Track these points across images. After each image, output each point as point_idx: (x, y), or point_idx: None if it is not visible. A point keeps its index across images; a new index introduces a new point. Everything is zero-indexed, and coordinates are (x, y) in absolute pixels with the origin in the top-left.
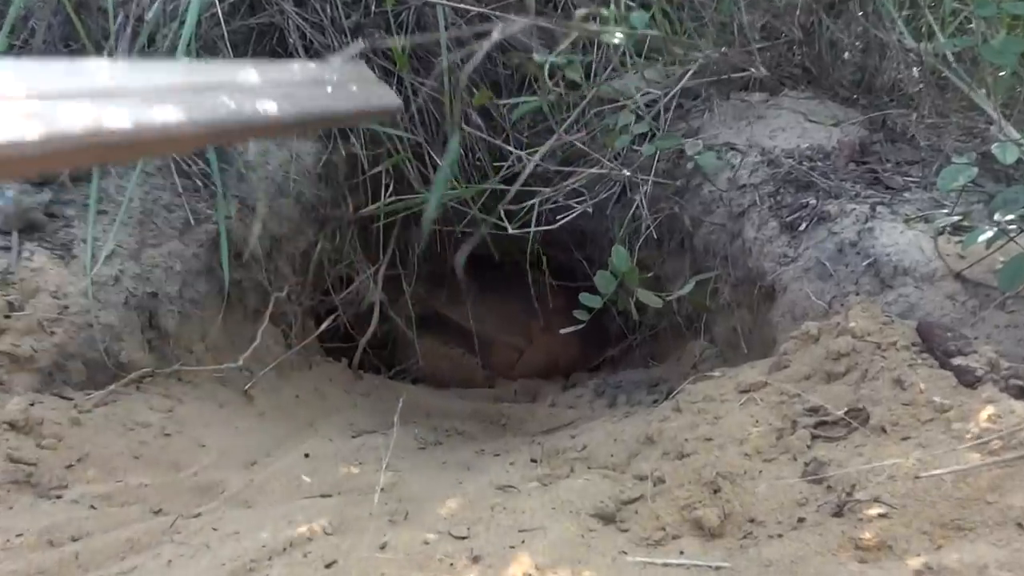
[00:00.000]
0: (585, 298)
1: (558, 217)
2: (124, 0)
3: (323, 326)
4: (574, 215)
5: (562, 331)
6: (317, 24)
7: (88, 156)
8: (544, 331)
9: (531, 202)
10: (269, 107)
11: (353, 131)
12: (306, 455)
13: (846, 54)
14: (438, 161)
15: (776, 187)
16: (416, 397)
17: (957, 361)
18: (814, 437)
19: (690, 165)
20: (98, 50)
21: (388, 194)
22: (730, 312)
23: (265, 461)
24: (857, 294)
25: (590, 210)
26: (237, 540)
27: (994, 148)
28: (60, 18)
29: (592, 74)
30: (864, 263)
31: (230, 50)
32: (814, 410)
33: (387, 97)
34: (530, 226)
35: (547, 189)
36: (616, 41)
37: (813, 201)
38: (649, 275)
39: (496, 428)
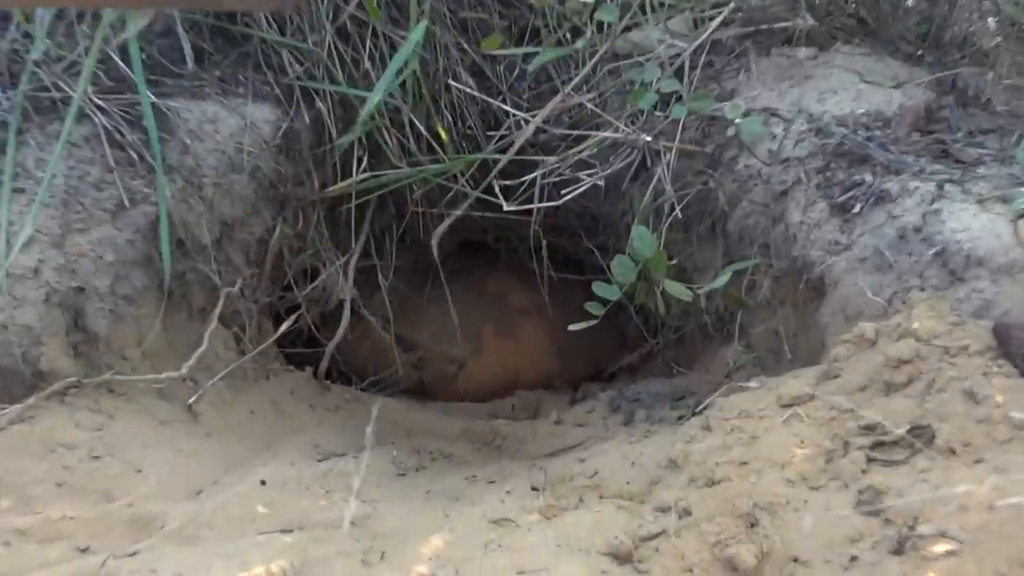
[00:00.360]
0: (600, 288)
1: (563, 192)
2: None
3: (283, 328)
4: (583, 188)
5: (571, 327)
6: None
7: None
8: (501, 338)
9: (532, 175)
10: None
11: (319, 95)
12: (262, 482)
13: (909, 1)
14: (421, 130)
15: (826, 161)
16: (394, 413)
17: None
18: (870, 460)
19: (725, 133)
20: None
21: (361, 169)
22: (770, 310)
23: (213, 490)
24: (922, 289)
25: (601, 185)
26: None
27: None
28: None
29: (605, 25)
30: (930, 252)
31: None
32: (870, 428)
33: None
34: (530, 203)
35: (551, 158)
36: None
37: (869, 178)
38: (672, 264)
39: (490, 450)
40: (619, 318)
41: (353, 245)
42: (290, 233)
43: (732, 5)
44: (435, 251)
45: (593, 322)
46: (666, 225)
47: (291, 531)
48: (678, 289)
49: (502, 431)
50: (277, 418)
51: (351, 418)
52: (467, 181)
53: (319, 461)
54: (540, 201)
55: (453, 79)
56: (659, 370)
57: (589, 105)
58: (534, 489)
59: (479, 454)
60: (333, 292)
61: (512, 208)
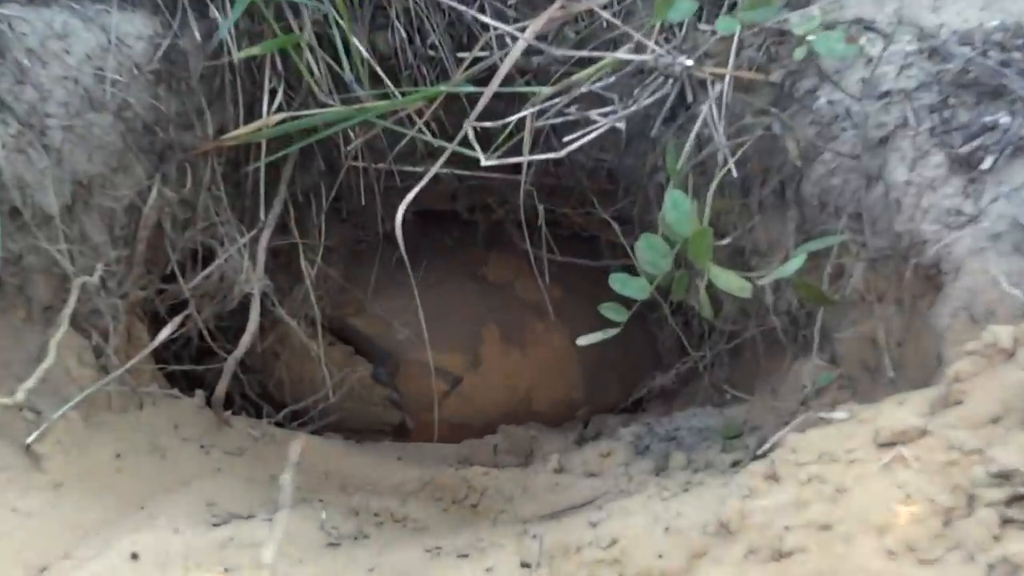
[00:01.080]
0: (621, 283)
1: (566, 140)
2: None
3: (163, 334)
4: (595, 133)
5: (580, 340)
6: None
7: None
8: (506, 343)
9: (520, 114)
10: None
11: None
12: (133, 556)
13: None
14: (362, 50)
15: (943, 95)
16: (323, 457)
17: None
18: (1005, 522)
19: (797, 55)
20: None
21: (275, 108)
22: (864, 309)
23: (63, 566)
24: None
25: (622, 129)
26: None
27: None
28: None
29: None
30: None
31: None
32: (1005, 476)
33: None
34: (519, 155)
35: (547, 89)
36: None
37: (1006, 119)
38: (724, 245)
39: (462, 510)
40: (647, 321)
41: (263, 216)
42: (173, 198)
43: None
44: (399, 231)
45: (612, 333)
46: (714, 188)
47: None
48: (731, 281)
49: (479, 483)
50: (155, 464)
51: (261, 464)
52: (428, 124)
53: (215, 526)
54: (534, 152)
55: None
56: (705, 395)
57: (603, 14)
58: (525, 566)
59: (445, 516)
60: (235, 283)
61: (492, 163)
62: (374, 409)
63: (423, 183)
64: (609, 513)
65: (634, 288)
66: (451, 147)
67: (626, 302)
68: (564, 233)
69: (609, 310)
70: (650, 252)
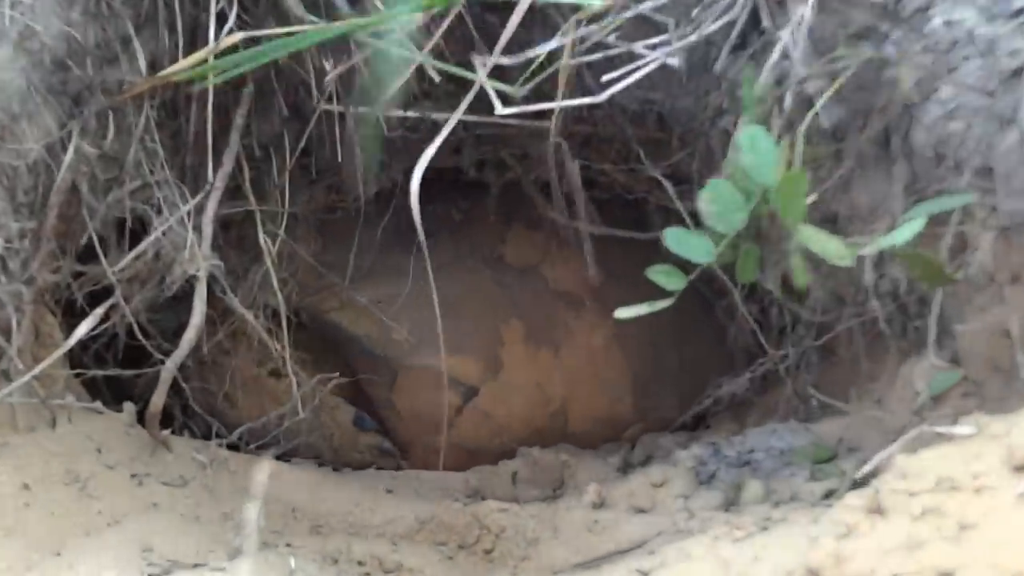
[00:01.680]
0: (676, 239)
1: (606, 79)
2: None
3: (80, 331)
4: (644, 69)
5: (620, 312)
6: None
7: None
8: (532, 343)
9: (546, 46)
10: None
11: None
12: None
13: None
14: None
15: None
16: (292, 489)
17: None
18: None
19: None
20: None
21: (226, 31)
22: (994, 292)
23: None
24: None
25: (677, 64)
26: None
27: None
28: None
29: None
30: None
31: None
32: None
33: None
34: (546, 101)
35: (581, 13)
36: None
37: None
38: (812, 204)
39: (472, 557)
40: (715, 311)
41: (211, 176)
42: (93, 154)
43: None
44: (415, 204)
45: (663, 305)
46: (800, 133)
47: None
48: (828, 245)
49: (494, 522)
50: (73, 498)
51: (211, 498)
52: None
53: None
54: (567, 96)
55: None
56: (788, 406)
57: None
58: None
59: (451, 566)
60: (175, 263)
61: (512, 111)
62: (357, 457)
63: (446, 132)
64: (664, 560)
65: (695, 248)
66: (479, 81)
67: (682, 268)
68: (603, 197)
69: (661, 274)
70: (718, 204)
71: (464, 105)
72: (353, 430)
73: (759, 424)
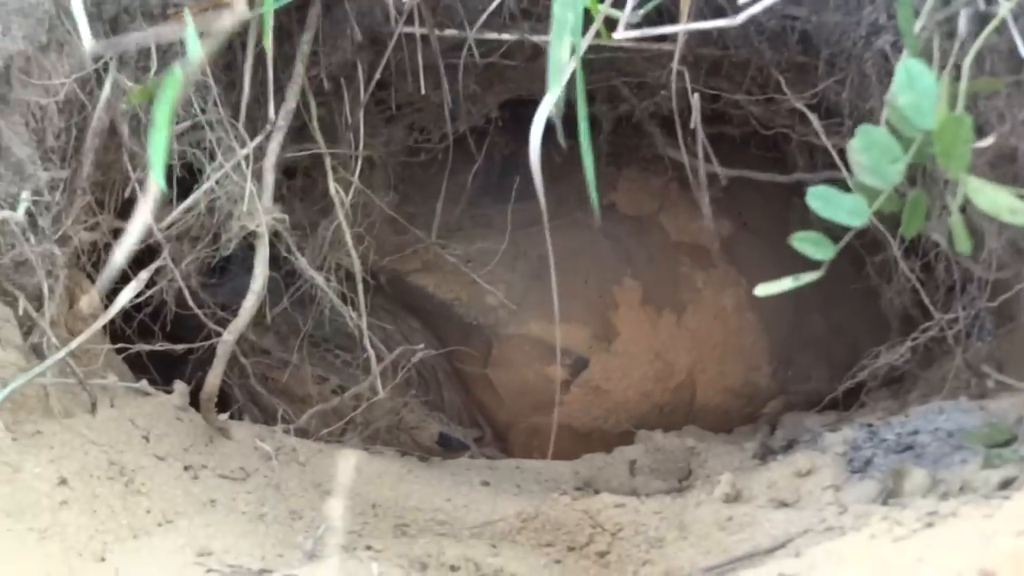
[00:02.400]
0: (822, 200)
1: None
2: None
3: (123, 298)
4: None
5: (759, 289)
6: None
7: None
8: (651, 306)
9: None
10: None
11: None
12: None
13: None
14: None
15: None
16: (373, 482)
17: None
18: None
19: None
20: None
21: None
22: None
23: None
24: None
25: None
26: None
27: None
28: None
29: None
30: None
31: None
32: None
33: None
34: (667, 21)
35: None
36: None
37: None
38: (984, 147)
39: (583, 560)
40: (868, 269)
41: (272, 114)
42: (133, 89)
43: None
44: (534, 155)
45: (809, 279)
46: (970, 60)
47: None
48: (998, 199)
49: (609, 519)
50: (117, 494)
51: (279, 494)
52: None
53: None
54: (693, 17)
55: None
56: (957, 381)
57: None
58: None
59: (557, 571)
60: (232, 218)
61: (631, 35)
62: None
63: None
64: (811, 563)
65: (846, 210)
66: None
67: (833, 233)
68: (734, 133)
69: (807, 243)
70: (871, 154)
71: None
72: (438, 451)
73: (922, 402)
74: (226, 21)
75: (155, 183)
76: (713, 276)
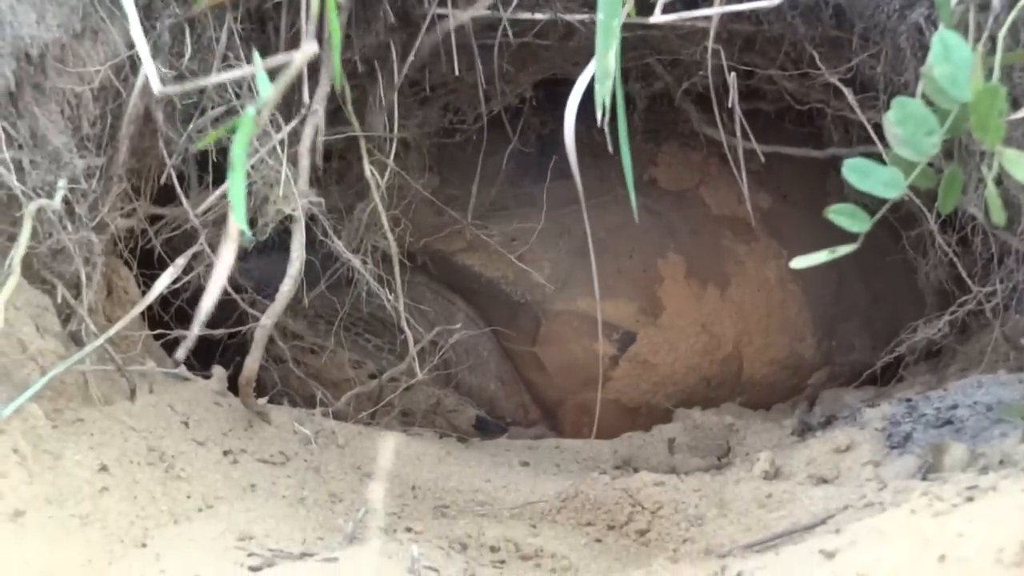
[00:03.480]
0: (858, 172)
1: None
2: None
3: (160, 285)
4: None
5: (796, 262)
6: None
7: None
8: (695, 280)
9: None
10: None
11: None
12: None
13: None
14: None
15: None
16: (412, 464)
17: None
18: None
19: None
20: None
21: None
22: None
23: None
24: None
25: None
26: None
27: None
28: None
29: None
30: None
31: None
32: None
33: None
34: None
35: None
36: None
37: None
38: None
39: (624, 539)
40: (906, 243)
41: (306, 97)
42: (168, 76)
43: None
44: (569, 135)
45: (846, 251)
46: (1006, 31)
47: None
48: None
49: (649, 498)
50: (158, 480)
51: (319, 477)
52: None
53: (254, 570)
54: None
55: None
56: (996, 354)
57: None
58: None
59: (600, 549)
60: (267, 201)
61: (669, 18)
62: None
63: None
64: (852, 538)
65: (881, 182)
66: None
67: (869, 206)
68: (770, 109)
69: (843, 215)
70: (907, 126)
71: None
72: (475, 434)
73: (961, 376)
74: (297, 60)
75: (236, 226)
76: (755, 249)
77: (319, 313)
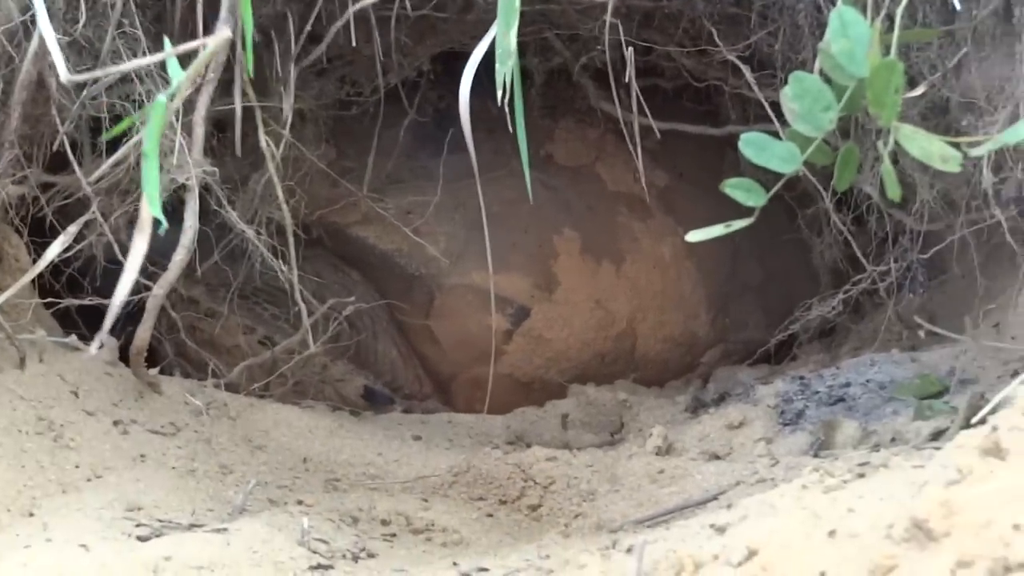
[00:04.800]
0: (755, 146)
1: None
2: None
3: (51, 253)
4: None
5: (692, 235)
6: None
7: None
8: (591, 256)
9: None
10: None
11: None
12: None
13: None
14: None
15: None
16: (303, 437)
17: None
18: None
19: None
20: None
21: None
22: None
23: None
24: None
25: None
26: None
27: None
28: None
29: None
30: None
31: None
32: None
33: None
34: None
35: None
36: None
37: None
38: (917, 96)
39: (516, 514)
40: (801, 222)
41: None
42: (62, 41)
43: None
44: (464, 107)
45: (741, 225)
46: (902, 9)
47: None
48: (929, 146)
49: (541, 473)
50: (46, 449)
51: (209, 449)
52: None
53: (141, 540)
54: None
55: None
56: (889, 334)
57: None
58: None
59: (491, 524)
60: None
61: None
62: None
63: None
64: (743, 513)
65: (778, 156)
66: None
67: (765, 181)
68: (668, 86)
69: (739, 189)
70: (804, 101)
71: None
72: (363, 405)
73: (854, 354)
74: (211, 45)
75: (149, 214)
76: (650, 226)
77: (222, 282)
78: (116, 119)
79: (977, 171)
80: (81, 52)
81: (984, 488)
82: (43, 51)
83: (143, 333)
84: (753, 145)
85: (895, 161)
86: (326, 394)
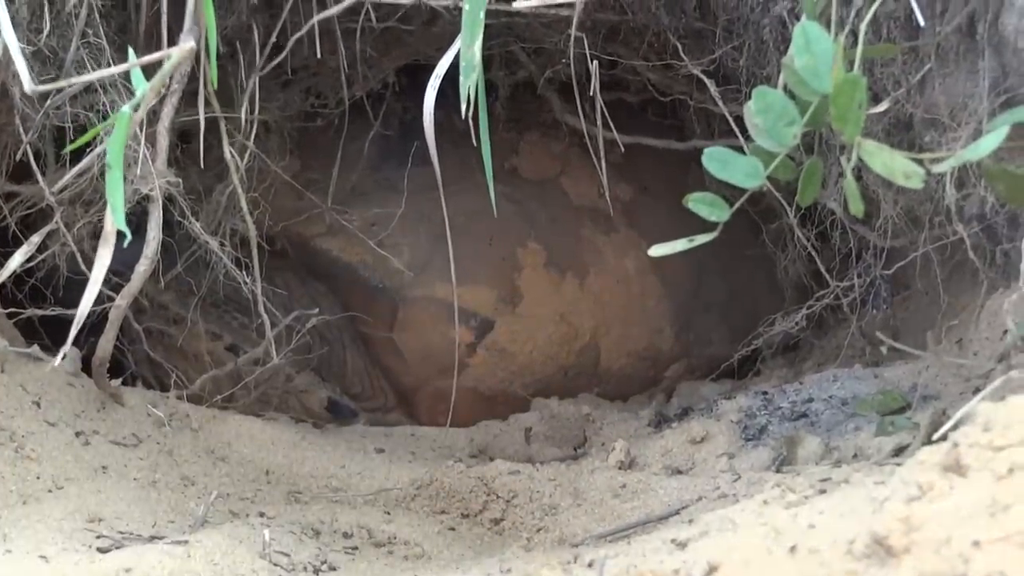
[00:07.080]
0: (718, 161)
1: None
2: None
3: (13, 263)
4: None
5: (654, 250)
6: None
7: None
8: (554, 269)
9: None
10: None
11: None
12: None
13: None
14: None
15: None
16: (265, 449)
17: None
18: None
19: None
20: None
21: None
22: None
23: None
24: None
25: None
26: None
27: None
28: None
29: None
30: None
31: None
32: None
33: None
34: None
35: None
36: None
37: None
38: (880, 112)
39: (478, 527)
40: (765, 236)
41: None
42: (26, 50)
43: None
44: (428, 117)
45: (704, 240)
46: (866, 25)
47: None
48: (892, 162)
49: (503, 486)
50: (9, 460)
51: (171, 460)
52: None
53: (102, 552)
54: None
55: None
56: (852, 350)
57: None
58: None
59: (453, 537)
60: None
61: (529, 4)
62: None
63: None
64: (704, 528)
65: (742, 171)
66: None
67: (728, 198)
68: (633, 100)
69: (702, 204)
70: (767, 116)
71: None
72: (327, 417)
73: (817, 370)
74: (175, 57)
75: (113, 226)
76: (614, 240)
77: (191, 288)
78: (80, 129)
79: (940, 187)
80: (45, 62)
81: (944, 504)
82: (7, 61)
83: (105, 344)
84: (717, 160)
85: (858, 177)
86: (290, 405)
